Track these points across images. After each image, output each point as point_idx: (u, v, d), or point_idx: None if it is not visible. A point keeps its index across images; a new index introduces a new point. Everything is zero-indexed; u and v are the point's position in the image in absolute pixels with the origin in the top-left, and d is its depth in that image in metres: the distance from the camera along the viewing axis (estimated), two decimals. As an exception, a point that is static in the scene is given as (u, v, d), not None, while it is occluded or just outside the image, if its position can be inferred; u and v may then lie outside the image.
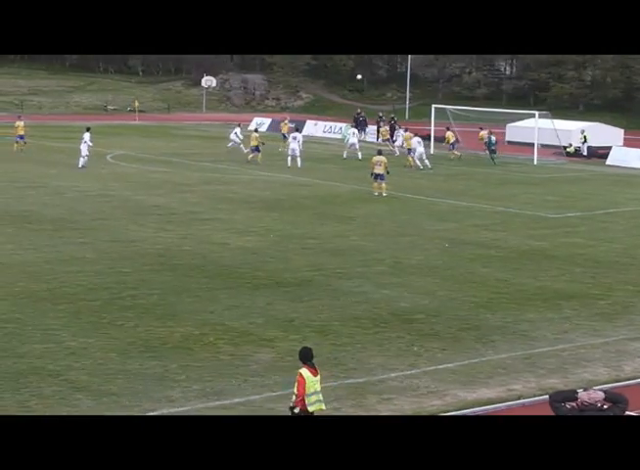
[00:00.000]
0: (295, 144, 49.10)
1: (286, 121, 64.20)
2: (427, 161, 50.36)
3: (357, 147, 53.87)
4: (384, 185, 39.34)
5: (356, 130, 58.42)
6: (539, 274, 25.48)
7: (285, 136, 58.40)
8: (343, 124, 70.63)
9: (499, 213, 35.71)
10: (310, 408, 13.27)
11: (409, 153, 51.36)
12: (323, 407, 13.46)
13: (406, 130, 55.85)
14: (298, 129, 52.95)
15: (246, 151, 52.15)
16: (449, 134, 57.62)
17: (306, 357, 13.46)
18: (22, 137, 52.39)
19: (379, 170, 39.37)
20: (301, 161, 48.39)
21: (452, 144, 56.76)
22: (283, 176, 45.30)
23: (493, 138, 56.74)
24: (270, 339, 19.02)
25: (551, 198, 40.76)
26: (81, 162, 46.44)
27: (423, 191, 41.36)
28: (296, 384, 13.33)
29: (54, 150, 55.32)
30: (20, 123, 53.03)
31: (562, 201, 40.03)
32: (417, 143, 50.96)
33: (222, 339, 18.95)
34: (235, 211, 34.56)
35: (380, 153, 41.01)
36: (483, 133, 57.61)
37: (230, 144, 55.03)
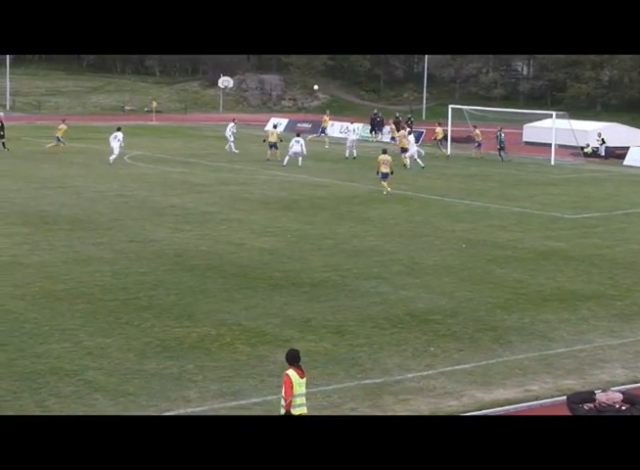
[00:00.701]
0: (298, 147, 49.35)
1: (326, 117, 66.18)
2: (419, 160, 50.15)
3: (353, 145, 53.82)
4: (385, 184, 39.63)
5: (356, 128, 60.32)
6: (556, 275, 25.41)
7: (323, 131, 62.13)
8: (361, 125, 70.56)
9: (516, 214, 35.64)
10: (294, 411, 13.09)
11: (402, 152, 51.62)
12: (305, 412, 13.31)
13: (410, 132, 55.76)
14: (300, 134, 53.17)
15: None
16: (438, 130, 58.71)
17: (293, 359, 13.39)
18: (59, 139, 52.73)
19: (385, 169, 39.73)
20: (302, 161, 49.06)
21: (440, 141, 57.48)
22: (300, 176, 45.31)
23: (503, 136, 57.11)
24: (287, 339, 19.01)
25: (568, 198, 40.65)
26: (111, 159, 47.70)
27: (439, 191, 41.31)
28: (283, 387, 13.25)
29: (71, 151, 55.42)
30: (63, 126, 53.27)
31: (579, 201, 39.92)
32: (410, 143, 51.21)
33: (239, 339, 18.97)
34: (252, 211, 34.59)
35: (385, 152, 41.15)
36: (478, 132, 58.13)
37: (228, 145, 55.30)
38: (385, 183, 39.66)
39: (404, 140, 52.02)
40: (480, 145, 57.39)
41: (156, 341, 18.71)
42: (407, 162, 50.00)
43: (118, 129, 49.59)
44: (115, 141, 48.29)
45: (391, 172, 39.94)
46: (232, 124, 56.55)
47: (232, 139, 55.57)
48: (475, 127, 58.73)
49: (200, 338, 18.98)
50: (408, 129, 56.36)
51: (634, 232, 32.50)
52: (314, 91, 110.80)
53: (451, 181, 45.72)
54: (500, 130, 57.37)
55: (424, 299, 22.53)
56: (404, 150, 51.30)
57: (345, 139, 56.75)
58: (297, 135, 52.14)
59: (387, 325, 20.22)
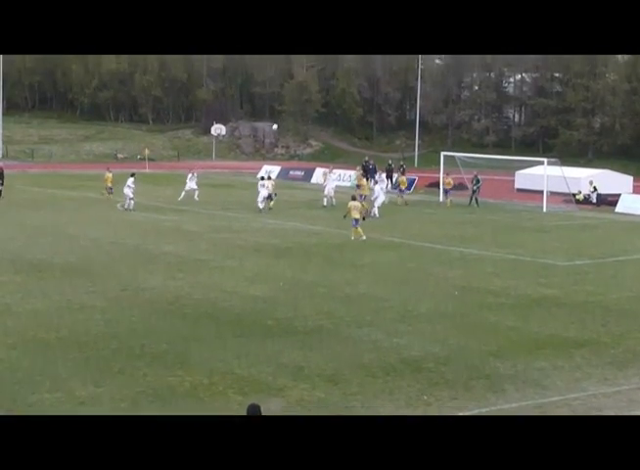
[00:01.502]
0: (264, 191, 50.20)
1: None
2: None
3: (331, 194, 53.82)
4: (360, 230, 39.89)
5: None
6: (550, 322, 25.40)
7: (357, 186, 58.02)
8: (353, 172, 70.72)
9: (509, 261, 35.67)
10: None
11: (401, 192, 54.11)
12: None
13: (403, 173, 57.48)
14: (270, 177, 54.11)
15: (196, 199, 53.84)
16: (402, 179, 59.49)
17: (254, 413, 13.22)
18: (110, 188, 53.12)
19: (356, 215, 40.13)
20: (273, 203, 50.25)
21: (401, 189, 58.07)
22: (292, 224, 45.38)
23: (480, 180, 58.06)
24: (280, 388, 18.94)
25: (561, 245, 40.71)
26: (127, 204, 48.72)
27: (432, 238, 41.38)
28: None
29: (65, 198, 55.54)
30: (109, 175, 53.55)
31: (572, 248, 39.97)
32: (380, 190, 51.32)
33: (232, 388, 18.89)
34: (244, 258, 34.58)
35: (354, 198, 41.76)
36: (449, 180, 58.50)
37: (184, 193, 55.08)
38: (356, 229, 39.97)
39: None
40: (447, 192, 57.81)
41: (148, 390, 18.63)
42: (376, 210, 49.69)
43: (132, 175, 50.53)
44: (126, 187, 49.05)
45: (363, 218, 40.56)
46: (191, 175, 56.46)
47: (195, 187, 55.43)
48: (447, 175, 58.88)
49: (192, 386, 18.90)
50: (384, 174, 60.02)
51: (627, 279, 32.52)
52: (307, 138, 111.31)
53: (443, 228, 45.78)
54: (476, 176, 57.95)
55: (417, 346, 22.48)
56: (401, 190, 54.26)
57: (341, 187, 56.88)
58: (268, 178, 53.03)
59: (380, 373, 20.16)
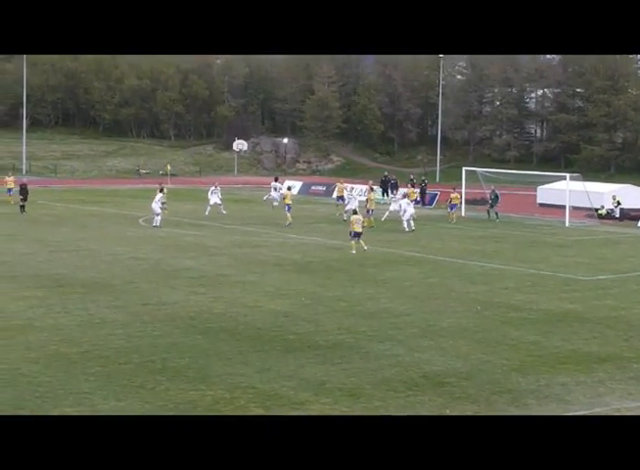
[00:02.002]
0: (275, 194, 51.62)
1: (341, 184, 62.16)
2: (412, 222, 50.39)
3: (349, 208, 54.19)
4: (362, 242, 40.30)
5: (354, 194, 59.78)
6: (572, 337, 25.28)
7: (341, 199, 58.59)
8: (376, 187, 70.79)
9: (531, 276, 35.56)
10: None
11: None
12: None
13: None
14: (278, 179, 54.69)
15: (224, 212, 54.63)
16: (411, 190, 60.29)
17: None
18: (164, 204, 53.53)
19: (358, 229, 40.38)
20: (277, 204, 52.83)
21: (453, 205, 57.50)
22: (313, 239, 45.39)
23: (498, 195, 58.07)
24: (301, 402, 18.91)
25: (583, 260, 40.58)
26: (154, 221, 48.75)
27: (453, 253, 41.30)
28: None
29: (87, 213, 55.77)
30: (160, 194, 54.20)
31: (594, 263, 39.82)
32: (407, 204, 51.33)
33: (253, 402, 18.86)
34: (266, 273, 34.60)
35: (355, 212, 42.12)
36: (456, 195, 57.91)
37: (209, 207, 55.47)
38: (353, 243, 40.35)
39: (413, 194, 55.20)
40: (453, 207, 57.22)
41: (170, 404, 18.62)
42: (405, 225, 49.92)
43: (161, 190, 50.70)
44: (154, 202, 49.15)
45: (359, 233, 40.64)
46: (213, 188, 56.95)
47: (219, 201, 55.96)
48: (453, 189, 58.66)
49: (214, 401, 18.89)
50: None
51: (650, 294, 32.34)
52: (328, 154, 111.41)
53: (465, 243, 45.71)
54: (494, 190, 58.03)
55: (438, 361, 22.41)
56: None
57: (363, 202, 56.96)
58: (276, 180, 54.11)
59: (401, 388, 20.10)
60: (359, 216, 41.34)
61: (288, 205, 51.25)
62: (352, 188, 59.73)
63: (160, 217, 48.64)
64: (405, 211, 50.40)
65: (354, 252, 40.00)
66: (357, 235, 40.47)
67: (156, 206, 48.82)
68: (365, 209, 51.85)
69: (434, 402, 19.15)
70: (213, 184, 58.35)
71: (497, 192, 58.47)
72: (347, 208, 54.08)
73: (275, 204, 55.23)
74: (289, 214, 50.76)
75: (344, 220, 53.00)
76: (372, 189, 56.37)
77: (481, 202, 61.28)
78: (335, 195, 61.89)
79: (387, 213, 52.79)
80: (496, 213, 57.36)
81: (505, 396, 19.77)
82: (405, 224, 49.76)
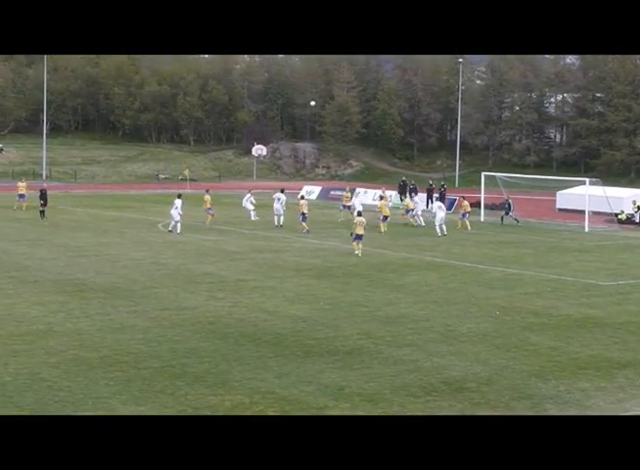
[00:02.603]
0: (278, 205, 52.78)
1: (346, 192, 62.17)
2: (444, 226, 50.96)
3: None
4: (361, 245, 40.97)
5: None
6: (592, 342, 25.20)
7: (347, 207, 58.51)
8: (394, 192, 70.87)
9: (551, 281, 35.47)
10: None
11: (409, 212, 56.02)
12: None
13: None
14: (283, 190, 54.97)
15: (254, 218, 55.34)
16: (409, 202, 59.41)
17: None
18: (210, 209, 54.50)
19: (360, 231, 40.96)
20: (283, 219, 52.68)
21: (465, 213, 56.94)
22: (332, 244, 45.41)
23: (511, 203, 58.57)
24: (320, 407, 18.91)
25: (603, 265, 40.45)
26: (171, 226, 49.02)
27: (473, 258, 41.25)
28: None
29: (107, 219, 55.97)
30: (207, 197, 54.93)
31: (614, 268, 39.69)
32: (438, 208, 52.02)
33: (273, 407, 18.88)
34: (285, 278, 34.63)
35: (360, 214, 42.54)
36: (466, 203, 56.82)
37: (251, 214, 55.95)
38: (355, 244, 41.20)
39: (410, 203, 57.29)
40: (464, 216, 55.94)
41: (189, 409, 18.66)
42: (437, 229, 50.27)
43: (179, 196, 50.61)
44: (173, 208, 49.16)
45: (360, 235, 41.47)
46: (249, 195, 57.43)
47: (252, 208, 56.31)
48: (463, 199, 58.06)
49: (233, 406, 18.91)
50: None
51: (670, 299, 32.21)
52: (348, 159, 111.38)
53: (484, 248, 45.64)
54: (507, 200, 58.33)
55: (458, 366, 22.37)
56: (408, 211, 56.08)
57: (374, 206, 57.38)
58: (281, 191, 54.21)
59: (420, 393, 20.08)
60: (362, 219, 41.75)
61: (303, 214, 51.02)
62: (357, 191, 60.34)
63: (179, 224, 48.64)
64: (436, 216, 50.73)
65: (359, 253, 40.55)
66: (359, 237, 41.02)
67: (174, 212, 48.79)
68: (378, 215, 52.40)
69: (454, 408, 19.13)
70: (248, 191, 58.91)
71: (510, 201, 58.46)
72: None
73: (277, 215, 53.86)
74: (304, 224, 50.55)
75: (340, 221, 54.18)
76: (381, 198, 55.97)
77: (500, 207, 61.23)
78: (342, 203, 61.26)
79: (439, 216, 51.41)
80: (516, 219, 57.45)
81: (525, 401, 19.73)
82: (437, 229, 50.00)
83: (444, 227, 50.42)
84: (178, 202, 49.15)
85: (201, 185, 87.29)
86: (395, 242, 46.52)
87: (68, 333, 24.89)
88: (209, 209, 53.66)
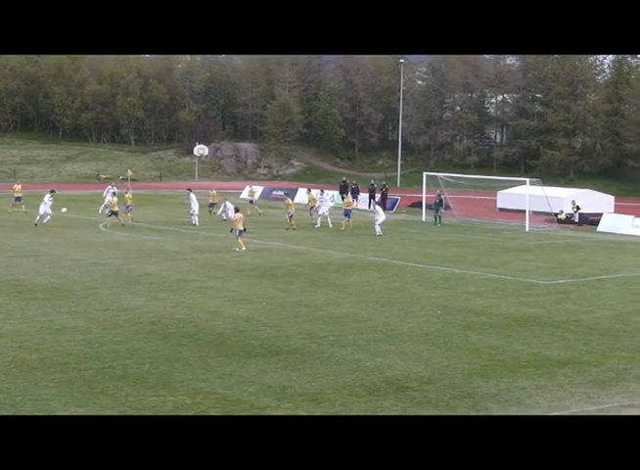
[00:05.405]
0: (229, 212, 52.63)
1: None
2: (384, 226, 51.11)
3: (326, 214, 54.71)
4: (241, 241, 42.54)
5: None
6: (532, 341, 25.42)
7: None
8: (335, 192, 71.05)
9: (491, 280, 35.72)
10: None
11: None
12: None
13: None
14: (227, 199, 55.63)
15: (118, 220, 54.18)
16: (348, 199, 58.93)
17: None
18: (212, 206, 56.84)
19: (240, 227, 42.69)
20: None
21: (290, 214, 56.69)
22: (275, 244, 45.34)
23: (442, 199, 59.16)
24: (263, 407, 18.88)
25: (543, 264, 40.81)
26: (37, 218, 50.84)
27: (415, 258, 41.42)
28: None
29: (46, 219, 55.36)
30: (213, 192, 57.93)
31: (554, 267, 40.06)
32: (378, 208, 52.58)
33: (215, 408, 18.81)
34: (227, 279, 34.52)
35: (237, 210, 44.37)
36: (349, 200, 57.91)
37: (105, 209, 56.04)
38: (237, 240, 42.44)
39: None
40: (347, 214, 54.90)
41: (130, 410, 18.53)
42: (378, 229, 50.24)
43: (51, 191, 53.32)
44: (42, 203, 51.16)
45: (244, 229, 43.05)
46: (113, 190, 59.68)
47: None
48: (352, 200, 58.95)
49: (175, 407, 18.81)
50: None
51: (609, 298, 32.59)
52: (289, 159, 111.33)
53: (426, 248, 45.86)
54: (439, 195, 58.73)
55: (400, 366, 22.45)
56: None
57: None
58: (226, 200, 54.66)
59: (363, 393, 20.11)
60: (242, 214, 43.51)
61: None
62: (323, 192, 59.93)
63: (49, 218, 50.66)
64: (380, 216, 50.78)
65: (238, 249, 41.89)
66: (241, 233, 42.55)
67: (44, 207, 50.90)
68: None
69: (396, 407, 19.19)
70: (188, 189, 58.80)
71: (442, 196, 58.97)
72: (320, 212, 54.54)
73: (224, 219, 53.57)
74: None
75: (312, 224, 53.63)
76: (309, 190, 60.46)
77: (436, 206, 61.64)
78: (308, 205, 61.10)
79: (377, 229, 50.98)
80: (439, 218, 58.07)
81: (466, 400, 19.84)
82: (377, 229, 49.97)
83: (384, 227, 50.37)
84: (47, 196, 51.61)
85: (142, 185, 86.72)
86: (338, 242, 46.57)
87: (6, 334, 24.60)
88: (212, 205, 56.56)
